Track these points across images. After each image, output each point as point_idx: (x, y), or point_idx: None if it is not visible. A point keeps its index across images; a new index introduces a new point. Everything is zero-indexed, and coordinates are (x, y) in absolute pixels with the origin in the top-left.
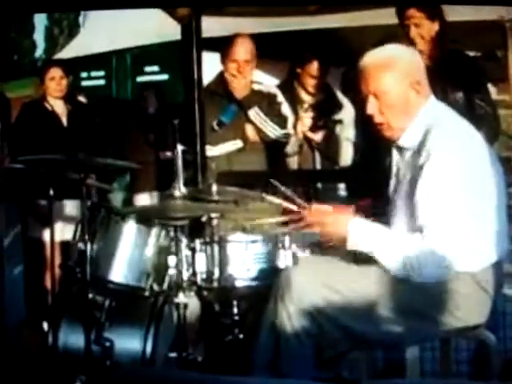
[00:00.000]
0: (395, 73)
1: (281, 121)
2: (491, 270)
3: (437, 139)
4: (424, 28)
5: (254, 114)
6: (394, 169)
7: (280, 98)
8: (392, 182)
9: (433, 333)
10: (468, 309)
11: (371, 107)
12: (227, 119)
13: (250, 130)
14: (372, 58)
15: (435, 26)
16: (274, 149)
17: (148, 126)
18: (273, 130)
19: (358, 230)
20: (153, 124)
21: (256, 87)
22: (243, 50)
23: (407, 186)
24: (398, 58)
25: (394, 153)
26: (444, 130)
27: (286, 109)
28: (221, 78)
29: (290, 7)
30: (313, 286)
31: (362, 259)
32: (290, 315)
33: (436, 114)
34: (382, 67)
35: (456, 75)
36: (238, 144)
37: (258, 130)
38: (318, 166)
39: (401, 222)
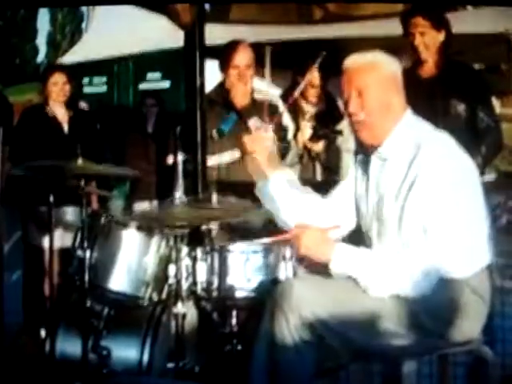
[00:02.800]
0: (379, 75)
1: (280, 132)
2: (483, 276)
3: (428, 157)
4: (429, 37)
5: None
6: (373, 181)
7: (281, 108)
8: (371, 195)
9: (434, 345)
10: (467, 317)
11: (354, 104)
12: (227, 128)
13: None
14: (356, 60)
15: (440, 36)
16: None
17: (149, 133)
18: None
19: (342, 257)
20: (154, 131)
21: (257, 96)
22: (243, 56)
23: (391, 199)
24: (382, 62)
25: (373, 164)
26: (434, 148)
27: (286, 119)
28: (221, 87)
29: (294, 14)
30: (313, 296)
31: None
32: (289, 323)
33: (419, 128)
34: (367, 68)
35: (459, 87)
36: (235, 154)
37: None
38: (319, 177)
39: (385, 235)
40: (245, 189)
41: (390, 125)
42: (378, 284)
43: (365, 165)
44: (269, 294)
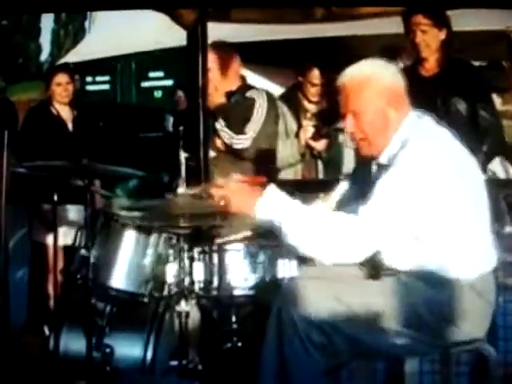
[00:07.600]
0: (372, 91)
1: (239, 125)
2: (488, 279)
3: (409, 152)
4: (430, 35)
5: (219, 124)
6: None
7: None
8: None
9: (437, 344)
10: (471, 319)
11: (350, 125)
12: None
13: (217, 140)
14: (348, 77)
15: (441, 34)
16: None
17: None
18: (227, 137)
19: (270, 200)
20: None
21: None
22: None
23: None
24: (375, 76)
25: (374, 169)
26: (417, 144)
27: (251, 92)
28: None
29: (296, 13)
30: (318, 297)
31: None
32: (297, 326)
33: (414, 129)
34: (359, 86)
35: (460, 85)
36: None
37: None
38: (321, 175)
39: None
40: None
41: (389, 135)
42: (301, 237)
43: (366, 171)
44: (268, 293)
